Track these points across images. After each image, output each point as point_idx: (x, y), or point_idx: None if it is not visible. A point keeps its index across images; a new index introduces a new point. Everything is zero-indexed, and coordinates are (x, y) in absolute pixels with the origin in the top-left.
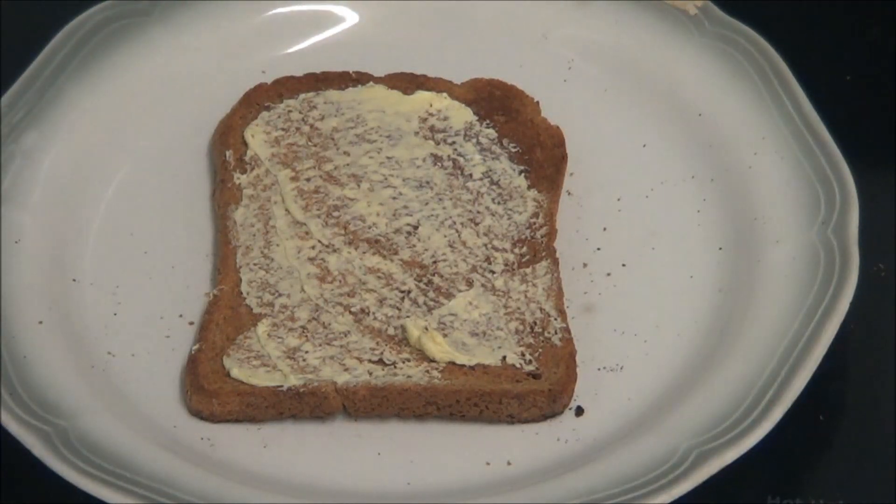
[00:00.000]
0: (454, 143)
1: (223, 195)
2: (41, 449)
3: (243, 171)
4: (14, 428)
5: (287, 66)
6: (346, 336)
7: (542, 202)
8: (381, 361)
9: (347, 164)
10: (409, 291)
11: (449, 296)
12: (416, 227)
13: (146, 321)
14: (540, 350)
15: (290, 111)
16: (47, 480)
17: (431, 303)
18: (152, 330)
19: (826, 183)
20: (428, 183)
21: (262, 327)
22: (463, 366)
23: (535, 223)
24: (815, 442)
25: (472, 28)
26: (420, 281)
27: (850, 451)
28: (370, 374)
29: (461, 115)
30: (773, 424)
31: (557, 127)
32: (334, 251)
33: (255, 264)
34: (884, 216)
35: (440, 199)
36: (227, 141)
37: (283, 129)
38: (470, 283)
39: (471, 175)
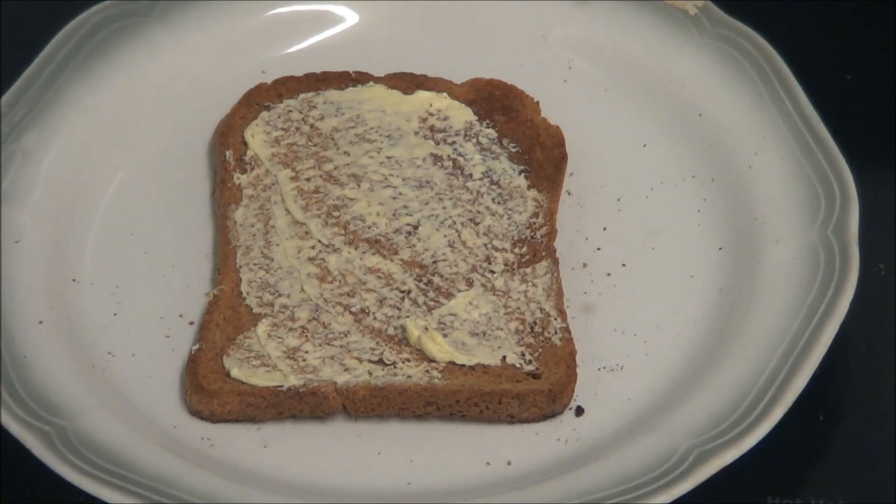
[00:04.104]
0: (454, 142)
1: (223, 195)
2: (41, 449)
3: (243, 171)
4: (14, 428)
5: (287, 66)
6: (346, 336)
7: (542, 202)
8: (381, 361)
9: (347, 164)
10: (409, 291)
11: (449, 296)
12: (416, 227)
13: (146, 321)
14: (540, 350)
15: (290, 111)
16: (47, 480)
17: (431, 303)
18: (152, 330)
19: (826, 183)
20: (428, 183)
21: (262, 327)
22: (463, 366)
23: (535, 223)
24: (815, 442)
25: (472, 28)
26: (420, 281)
27: (850, 451)
28: (370, 374)
29: (461, 114)
30: (773, 424)
31: (557, 127)
32: (334, 251)
33: (255, 264)
34: (884, 216)
35: (440, 199)
36: (227, 141)
37: (283, 129)
38: (470, 283)
39: (471, 175)
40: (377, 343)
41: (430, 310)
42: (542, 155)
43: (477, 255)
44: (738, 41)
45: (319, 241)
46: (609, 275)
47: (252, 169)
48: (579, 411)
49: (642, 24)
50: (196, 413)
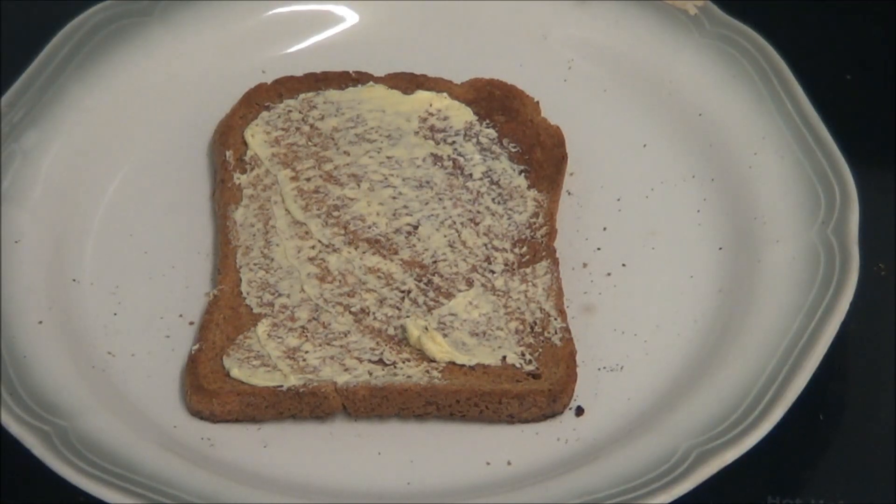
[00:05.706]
0: (454, 142)
1: (223, 195)
2: (41, 449)
3: (243, 171)
4: (14, 428)
5: (287, 66)
6: (346, 336)
7: (542, 202)
8: (381, 361)
9: (347, 164)
10: (409, 291)
11: (449, 296)
12: (416, 227)
13: (146, 321)
14: (540, 350)
15: (290, 111)
16: (47, 480)
17: (431, 303)
18: (152, 330)
19: (826, 183)
20: (428, 183)
21: (262, 327)
22: (463, 366)
23: (535, 223)
24: (815, 442)
25: (472, 28)
26: (420, 281)
27: (850, 451)
28: (370, 374)
29: (461, 114)
30: (773, 424)
31: (557, 127)
32: (334, 251)
33: (255, 264)
34: (884, 216)
35: (440, 199)
36: (227, 141)
37: (283, 129)
38: (470, 283)
39: (471, 175)
40: (377, 343)
41: (430, 310)
42: (542, 155)
43: (477, 255)
44: (738, 41)
45: (319, 241)
46: (609, 275)
47: (252, 169)
48: (579, 411)
49: (642, 24)
50: (196, 413)
